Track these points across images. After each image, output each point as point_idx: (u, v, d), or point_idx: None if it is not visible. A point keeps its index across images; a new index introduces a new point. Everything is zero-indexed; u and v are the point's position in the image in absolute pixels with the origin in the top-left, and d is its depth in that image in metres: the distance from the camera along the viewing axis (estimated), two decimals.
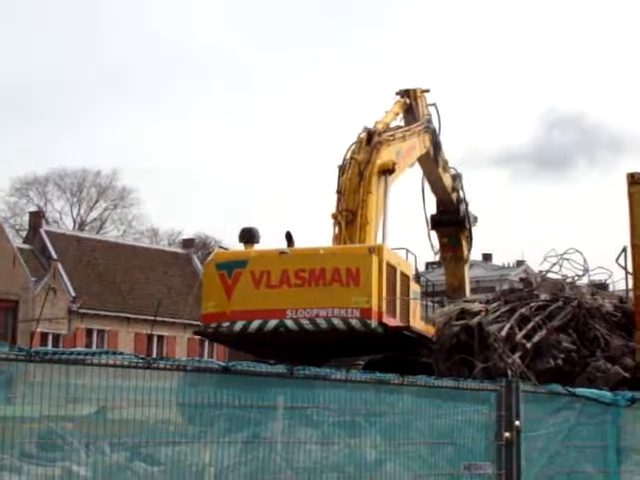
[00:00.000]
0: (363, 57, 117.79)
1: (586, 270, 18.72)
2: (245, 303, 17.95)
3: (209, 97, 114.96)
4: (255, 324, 17.84)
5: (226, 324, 18.05)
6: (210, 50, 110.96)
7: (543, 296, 17.96)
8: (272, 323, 17.73)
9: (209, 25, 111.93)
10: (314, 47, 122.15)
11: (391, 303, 17.96)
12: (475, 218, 25.97)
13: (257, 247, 19.30)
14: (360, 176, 19.79)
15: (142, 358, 6.85)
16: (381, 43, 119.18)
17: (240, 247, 19.62)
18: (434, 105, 23.73)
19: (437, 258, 27.16)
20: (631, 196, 15.72)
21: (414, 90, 23.31)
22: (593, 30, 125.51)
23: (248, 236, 19.45)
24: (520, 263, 77.04)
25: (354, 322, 17.41)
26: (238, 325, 17.95)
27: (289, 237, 19.10)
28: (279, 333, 17.70)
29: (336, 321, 17.47)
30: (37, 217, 57.03)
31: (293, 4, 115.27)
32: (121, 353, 6.82)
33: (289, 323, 17.65)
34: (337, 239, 19.48)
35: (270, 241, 20.80)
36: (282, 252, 18.36)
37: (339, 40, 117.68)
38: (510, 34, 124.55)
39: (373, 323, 17.42)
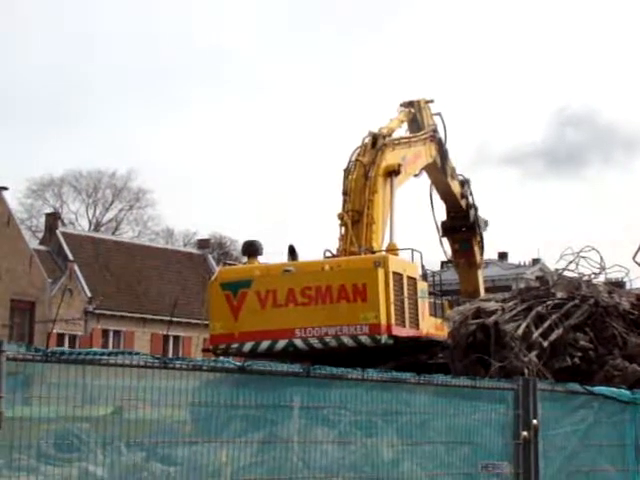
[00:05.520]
0: (369, 57, 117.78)
1: (602, 268, 18.57)
2: (252, 324, 17.95)
3: (217, 98, 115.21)
4: (264, 345, 17.86)
5: (235, 345, 18.09)
6: (213, 50, 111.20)
7: (559, 294, 17.82)
8: (281, 343, 17.75)
9: (209, 25, 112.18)
10: (317, 49, 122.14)
11: (399, 312, 17.92)
12: (485, 222, 25.85)
13: (261, 260, 19.35)
14: (366, 177, 19.76)
15: (158, 358, 6.85)
16: (388, 43, 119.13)
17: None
18: (439, 115, 23.58)
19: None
20: None
21: (418, 101, 23.22)
22: (606, 27, 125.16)
23: (251, 250, 19.51)
24: (536, 261, 76.84)
25: (364, 338, 17.41)
26: (247, 346, 18.00)
27: (292, 251, 19.08)
28: (288, 352, 17.76)
29: (345, 339, 17.47)
30: (53, 218, 57.17)
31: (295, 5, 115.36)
32: (137, 353, 6.82)
33: (298, 342, 17.66)
34: (343, 239, 19.47)
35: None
36: (286, 270, 18.31)
37: (343, 42, 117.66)
38: (522, 32, 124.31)
39: (383, 338, 17.40)
